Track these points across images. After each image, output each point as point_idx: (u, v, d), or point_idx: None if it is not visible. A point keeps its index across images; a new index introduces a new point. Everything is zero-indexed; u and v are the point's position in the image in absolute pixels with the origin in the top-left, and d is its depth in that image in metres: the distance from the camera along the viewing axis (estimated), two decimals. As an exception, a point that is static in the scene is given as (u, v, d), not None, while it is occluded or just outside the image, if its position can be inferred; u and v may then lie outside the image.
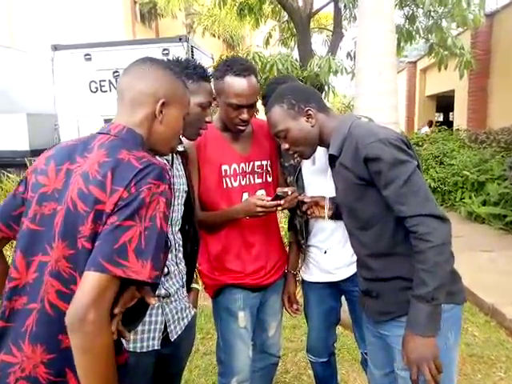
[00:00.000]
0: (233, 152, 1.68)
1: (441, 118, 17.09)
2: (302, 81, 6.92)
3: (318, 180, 1.72)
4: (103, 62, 6.49)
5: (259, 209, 1.54)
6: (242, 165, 1.68)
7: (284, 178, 1.83)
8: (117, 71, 6.51)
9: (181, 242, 1.49)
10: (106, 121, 7.13)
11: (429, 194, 1.20)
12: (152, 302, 0.97)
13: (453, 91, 11.06)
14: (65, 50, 6.64)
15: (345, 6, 6.97)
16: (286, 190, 1.56)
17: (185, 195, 1.50)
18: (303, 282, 1.91)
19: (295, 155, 1.50)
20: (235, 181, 1.67)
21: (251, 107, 1.60)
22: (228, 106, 1.58)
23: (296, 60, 6.51)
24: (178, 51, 6.23)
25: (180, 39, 6.26)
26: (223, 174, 1.65)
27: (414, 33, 7.05)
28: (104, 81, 6.59)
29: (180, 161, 1.51)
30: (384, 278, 1.32)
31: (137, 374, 1.26)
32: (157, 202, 0.90)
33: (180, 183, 1.47)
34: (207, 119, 1.48)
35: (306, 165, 1.77)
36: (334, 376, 2.01)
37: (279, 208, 1.55)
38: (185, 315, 1.45)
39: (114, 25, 14.77)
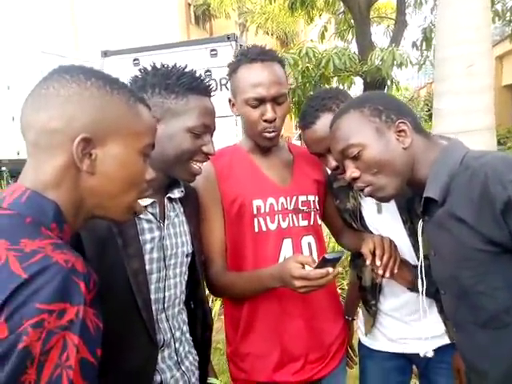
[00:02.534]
0: (268, 182, 1.20)
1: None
2: (361, 76, 6.32)
3: (385, 235, 1.23)
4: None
5: (298, 283, 0.99)
6: (282, 199, 1.19)
7: (347, 223, 1.34)
8: (164, 75, 6.33)
9: (185, 328, 1.07)
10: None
11: None
12: None
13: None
14: (114, 55, 6.56)
15: (410, -9, 6.25)
16: (341, 251, 1.02)
17: (187, 260, 1.06)
18: (361, 346, 1.45)
19: (365, 191, 0.95)
20: (272, 222, 1.18)
21: (276, 102, 1.13)
22: (246, 106, 1.12)
23: (354, 53, 5.92)
24: (227, 51, 5.89)
25: (228, 38, 5.92)
26: (255, 212, 1.16)
27: (492, 15, 6.16)
28: (152, 86, 6.43)
29: (180, 210, 1.07)
30: None
31: None
32: (60, 349, 0.49)
33: (178, 245, 1.02)
34: (205, 149, 1.00)
35: (367, 211, 1.28)
36: None
37: (330, 278, 0.99)
38: None
39: (169, 28, 14.93)
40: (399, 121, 0.91)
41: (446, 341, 1.25)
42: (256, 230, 1.17)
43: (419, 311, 1.23)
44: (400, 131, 0.91)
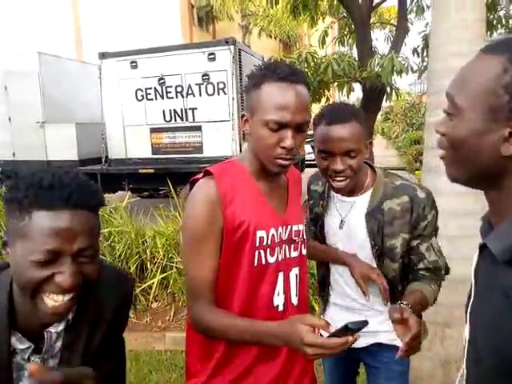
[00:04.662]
0: (270, 211, 1.10)
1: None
2: (360, 82, 6.24)
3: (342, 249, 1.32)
4: (148, 69, 6.29)
5: (310, 350, 0.84)
6: (280, 230, 1.10)
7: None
8: (162, 78, 6.29)
9: None
10: (153, 130, 6.96)
11: None
12: None
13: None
14: (112, 57, 6.53)
15: (411, -3, 6.20)
16: (362, 320, 0.85)
17: None
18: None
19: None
20: (272, 255, 1.07)
21: (298, 130, 1.02)
22: (264, 127, 1.01)
23: (354, 59, 5.85)
24: (225, 55, 5.85)
25: (227, 42, 5.86)
26: (257, 244, 1.05)
27: (495, 22, 6.09)
28: (150, 88, 6.40)
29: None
30: None
31: None
32: None
33: None
34: (57, 279, 0.73)
35: (329, 220, 1.35)
36: None
37: (347, 346, 0.84)
38: None
39: (172, 30, 14.91)
40: None
41: (388, 339, 1.30)
42: (255, 263, 1.05)
43: (362, 300, 1.31)
44: None
